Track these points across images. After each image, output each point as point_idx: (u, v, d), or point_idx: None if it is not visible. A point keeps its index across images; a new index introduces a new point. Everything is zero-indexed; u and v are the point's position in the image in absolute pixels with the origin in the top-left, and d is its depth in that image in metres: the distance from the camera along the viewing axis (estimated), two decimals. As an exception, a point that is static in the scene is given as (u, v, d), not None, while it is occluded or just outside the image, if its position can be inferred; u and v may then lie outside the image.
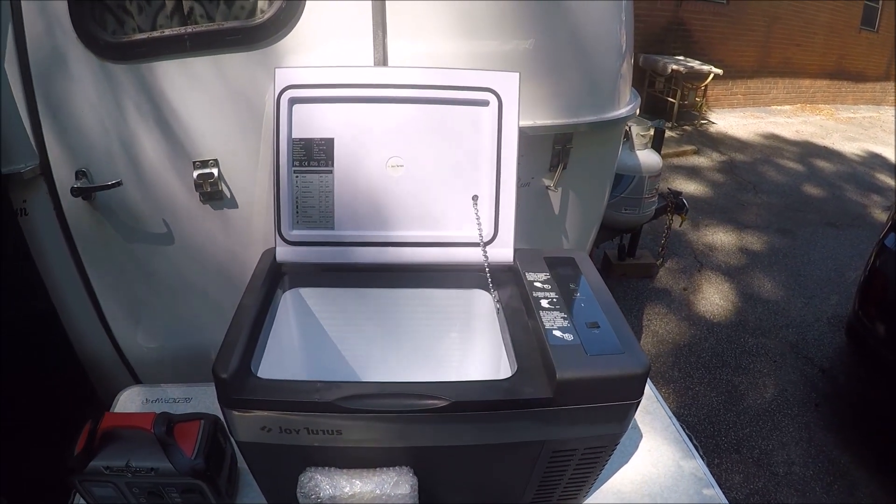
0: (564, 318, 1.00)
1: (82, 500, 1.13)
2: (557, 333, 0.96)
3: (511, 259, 1.20)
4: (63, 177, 1.48)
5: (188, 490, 1.07)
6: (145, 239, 1.60)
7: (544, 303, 1.04)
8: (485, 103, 1.15)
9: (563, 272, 1.15)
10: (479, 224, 1.17)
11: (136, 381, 1.82)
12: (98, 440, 1.05)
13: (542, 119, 1.59)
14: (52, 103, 1.42)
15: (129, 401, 1.40)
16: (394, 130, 1.16)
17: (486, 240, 1.18)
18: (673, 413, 1.47)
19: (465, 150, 1.17)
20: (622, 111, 1.80)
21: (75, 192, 1.45)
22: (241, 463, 1.22)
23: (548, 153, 1.69)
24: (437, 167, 1.18)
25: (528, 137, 1.56)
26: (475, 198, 1.18)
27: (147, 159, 1.49)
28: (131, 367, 1.80)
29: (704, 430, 2.89)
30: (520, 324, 1.05)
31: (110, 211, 1.54)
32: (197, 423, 1.12)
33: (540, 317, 1.00)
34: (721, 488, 1.25)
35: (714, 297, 4.04)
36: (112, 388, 1.48)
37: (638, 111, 1.91)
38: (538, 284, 1.10)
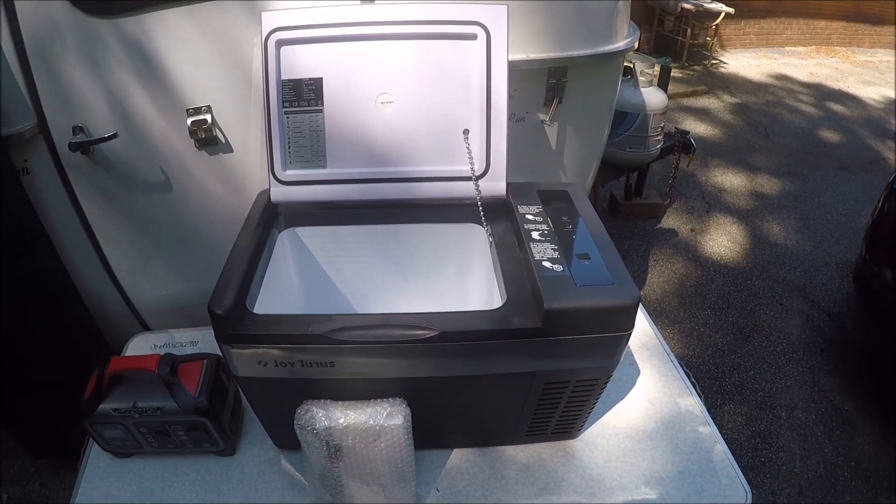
0: (555, 250, 1.00)
1: (96, 445, 1.18)
2: (547, 265, 0.96)
3: (504, 192, 1.20)
4: (61, 134, 1.49)
5: (193, 427, 1.11)
6: (144, 189, 1.61)
7: (535, 235, 1.05)
8: (473, 37, 1.14)
9: (556, 205, 1.16)
10: (470, 158, 1.17)
11: (145, 328, 1.87)
12: (106, 384, 1.09)
13: (534, 52, 1.57)
14: (45, 62, 1.42)
15: (138, 348, 1.44)
16: (382, 67, 1.16)
17: (477, 174, 1.18)
18: (676, 354, 1.47)
19: (455, 85, 1.17)
20: (619, 44, 1.77)
21: (73, 146, 1.46)
22: (246, 402, 1.26)
23: (542, 87, 1.67)
24: (427, 102, 1.17)
25: (520, 72, 1.55)
26: (466, 132, 1.18)
27: (141, 110, 1.49)
28: (139, 314, 1.84)
29: (708, 371, 2.90)
30: (511, 256, 1.06)
31: (109, 164, 1.55)
32: (199, 362, 1.15)
33: (530, 248, 1.01)
34: (723, 430, 1.26)
35: (722, 239, 4.01)
36: (122, 336, 1.53)
37: (637, 45, 1.87)
38: (530, 217, 1.10)
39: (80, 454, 1.22)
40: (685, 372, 1.42)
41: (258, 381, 0.96)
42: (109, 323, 1.84)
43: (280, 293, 1.13)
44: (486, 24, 1.12)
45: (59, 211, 1.61)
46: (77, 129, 1.48)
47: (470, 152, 1.18)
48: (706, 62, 8.15)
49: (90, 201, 1.61)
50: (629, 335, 0.96)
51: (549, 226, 1.08)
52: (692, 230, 4.10)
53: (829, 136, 5.97)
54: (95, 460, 1.19)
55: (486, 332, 0.90)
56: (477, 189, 1.17)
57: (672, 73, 7.18)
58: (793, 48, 9.73)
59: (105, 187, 1.59)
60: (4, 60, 1.40)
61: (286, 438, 1.05)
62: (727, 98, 6.84)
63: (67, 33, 1.40)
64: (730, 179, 4.83)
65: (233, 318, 0.91)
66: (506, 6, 1.12)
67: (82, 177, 1.57)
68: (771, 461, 2.45)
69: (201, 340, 1.44)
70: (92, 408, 1.09)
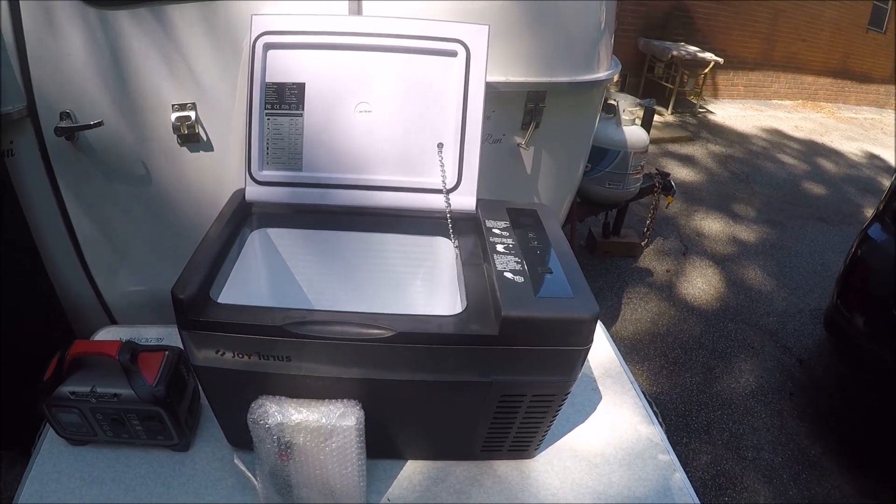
0: (518, 262, 1.02)
1: (52, 431, 1.17)
2: (508, 275, 0.98)
3: (473, 207, 1.23)
4: (49, 118, 1.51)
5: (148, 417, 1.10)
6: (124, 180, 1.62)
7: (500, 247, 1.07)
8: (453, 54, 1.18)
9: (523, 222, 1.18)
10: (443, 171, 1.19)
11: (113, 322, 1.86)
12: (66, 367, 1.09)
13: (514, 76, 1.61)
14: (40, 47, 1.44)
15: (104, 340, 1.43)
16: (363, 77, 1.19)
17: (449, 187, 1.21)
18: (645, 390, 1.48)
19: (433, 99, 1.20)
20: (599, 75, 1.82)
21: (59, 131, 1.48)
22: (204, 401, 1.25)
23: (520, 111, 1.70)
24: (404, 114, 1.21)
25: (500, 93, 1.59)
26: (440, 145, 1.20)
27: (128, 101, 1.52)
28: (108, 308, 1.84)
29: (676, 409, 2.92)
30: (475, 268, 1.07)
31: (92, 151, 1.57)
32: (161, 353, 1.15)
33: (493, 260, 1.03)
34: (687, 468, 1.26)
35: (697, 282, 4.07)
36: (89, 328, 1.52)
37: (616, 77, 1.92)
38: (496, 231, 1.13)
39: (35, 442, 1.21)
40: (648, 400, 1.42)
41: (216, 371, 0.96)
42: (78, 314, 1.83)
43: (246, 291, 1.14)
44: (466, 43, 1.16)
45: (38, 195, 1.62)
46: (64, 115, 1.50)
47: (443, 166, 1.20)
48: (694, 110, 8.32)
49: (70, 188, 1.62)
50: (587, 351, 0.98)
51: (514, 240, 1.10)
52: (668, 271, 4.15)
53: (810, 187, 6.11)
54: (49, 446, 1.18)
55: (442, 335, 0.91)
56: (447, 202, 1.19)
57: (659, 119, 7.36)
58: (780, 101, 9.99)
59: (86, 175, 1.60)
60: (2, 44, 1.42)
61: (240, 436, 1.05)
62: (712, 146, 6.98)
63: (65, 20, 1.42)
64: (709, 224, 4.91)
65: (195, 304, 0.91)
66: (487, 27, 1.16)
67: (65, 163, 1.58)
68: (734, 501, 2.46)
69: (167, 338, 1.43)
70: (50, 389, 1.08)
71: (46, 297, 1.75)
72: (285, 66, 1.19)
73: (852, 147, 7.85)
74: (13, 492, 1.11)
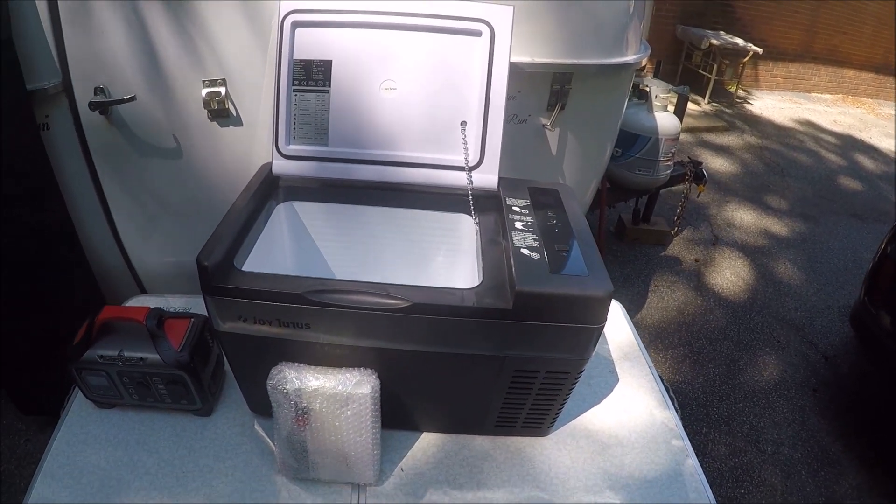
0: (535, 240, 1.03)
1: (80, 394, 1.21)
2: (525, 252, 0.99)
3: (495, 185, 1.24)
4: (83, 93, 1.55)
5: (172, 381, 1.14)
6: (156, 153, 1.66)
7: (518, 224, 1.08)
8: (477, 34, 1.18)
9: (544, 201, 1.19)
10: (465, 149, 1.21)
11: (143, 292, 1.92)
12: (95, 332, 1.13)
13: (540, 57, 1.61)
14: (75, 24, 1.48)
15: (133, 309, 1.48)
16: (389, 55, 1.21)
17: (471, 165, 1.22)
18: (666, 378, 1.47)
19: (457, 78, 1.21)
20: (627, 58, 1.80)
21: (93, 105, 1.52)
22: (227, 368, 1.29)
23: (546, 92, 1.70)
24: (429, 92, 1.22)
25: (525, 74, 1.59)
26: (463, 124, 1.22)
27: (160, 77, 1.55)
28: (138, 278, 1.89)
29: (697, 399, 2.89)
30: (494, 244, 1.09)
31: (125, 125, 1.61)
32: (187, 320, 1.19)
33: (511, 236, 1.04)
34: (705, 459, 1.26)
35: (726, 273, 4.01)
36: (120, 297, 1.58)
37: (648, 63, 1.89)
38: (516, 209, 1.14)
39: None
40: (664, 386, 1.42)
41: (237, 337, 1.00)
42: (109, 284, 1.89)
43: (270, 261, 1.16)
44: (491, 23, 1.17)
45: (73, 169, 1.67)
46: (98, 90, 1.54)
47: (466, 144, 1.22)
48: (731, 99, 8.15)
49: (104, 161, 1.67)
50: (600, 329, 0.98)
51: (533, 218, 1.11)
52: (696, 260, 4.10)
53: (846, 183, 5.95)
54: (78, 408, 1.23)
55: (456, 307, 0.93)
56: (469, 179, 1.21)
57: (695, 108, 7.23)
58: (819, 95, 9.71)
59: (119, 149, 1.64)
60: (38, 19, 1.46)
61: (260, 403, 1.08)
62: (748, 137, 6.83)
63: None
64: (740, 215, 4.82)
65: (218, 271, 0.95)
66: (512, 7, 1.17)
67: (99, 137, 1.62)
68: (751, 493, 2.43)
69: (194, 307, 1.46)
70: (79, 353, 1.12)
71: (79, 269, 1.81)
72: (313, 44, 1.21)
73: (891, 144, 7.60)
74: (41, 455, 1.15)
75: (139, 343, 1.12)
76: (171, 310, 1.47)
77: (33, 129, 1.57)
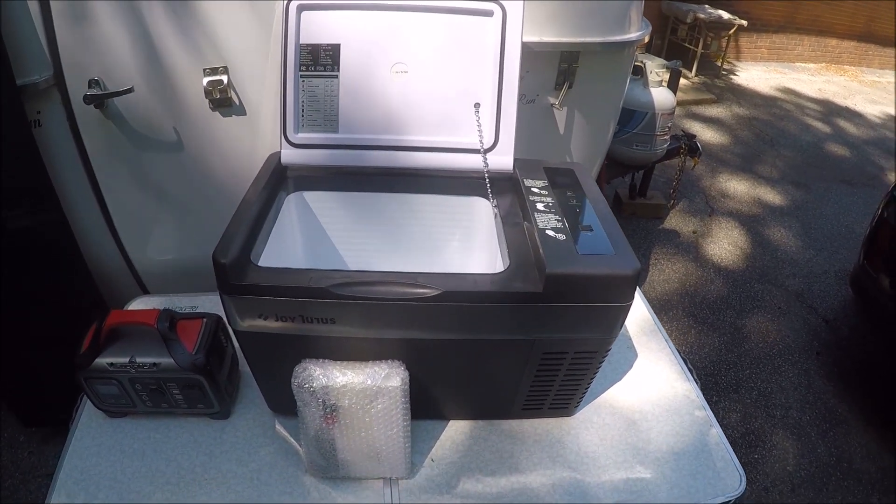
0: (559, 221, 1.01)
1: (89, 404, 1.17)
2: (550, 233, 0.97)
3: (510, 167, 1.21)
4: (76, 87, 1.49)
5: (189, 385, 1.10)
6: (155, 147, 1.61)
7: (540, 206, 1.06)
8: (489, 14, 1.15)
9: (561, 181, 1.17)
10: (479, 131, 1.18)
11: (145, 291, 1.87)
12: (103, 338, 1.08)
13: (548, 36, 1.59)
14: (67, 13, 1.42)
15: (138, 310, 1.44)
16: (399, 37, 1.17)
17: (486, 147, 1.19)
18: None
19: (469, 59, 1.18)
20: (630, 35, 1.79)
21: (88, 99, 1.46)
22: (243, 367, 1.26)
23: (553, 71, 1.68)
24: (441, 74, 1.19)
25: (534, 54, 1.57)
26: (477, 105, 1.19)
27: (158, 66, 1.50)
28: (139, 277, 1.84)
29: (705, 369, 2.92)
30: (515, 226, 1.06)
31: (122, 120, 1.55)
32: (199, 321, 1.14)
33: (535, 218, 1.01)
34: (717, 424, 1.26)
35: (723, 243, 4.02)
36: (121, 298, 1.52)
37: (647, 38, 1.88)
38: (535, 190, 1.11)
39: (71, 416, 1.21)
40: (682, 358, 1.42)
41: (258, 336, 0.96)
42: (109, 284, 1.84)
43: (284, 254, 1.13)
44: (502, 2, 1.14)
45: (67, 165, 1.61)
46: (93, 83, 1.48)
47: (480, 126, 1.19)
48: (717, 72, 8.15)
49: (100, 158, 1.61)
50: (628, 307, 0.97)
51: (553, 199, 1.09)
52: (694, 232, 4.12)
53: (834, 150, 5.98)
54: (87, 420, 1.18)
55: (487, 294, 0.91)
56: (485, 162, 1.18)
57: (683, 81, 7.21)
58: (803, 64, 9.73)
59: (116, 144, 1.59)
60: (27, 10, 1.40)
61: (282, 402, 1.05)
62: (736, 109, 6.84)
63: None
64: (734, 186, 4.84)
65: (237, 268, 0.91)
66: None
67: (94, 132, 1.57)
68: (764, 458, 2.46)
69: (201, 306, 1.43)
70: (87, 361, 1.07)
71: (77, 271, 1.75)
72: (319, 28, 1.17)
73: (875, 110, 7.65)
74: (48, 467, 1.10)
75: (150, 347, 1.07)
76: (178, 309, 1.44)
77: (25, 127, 1.50)
